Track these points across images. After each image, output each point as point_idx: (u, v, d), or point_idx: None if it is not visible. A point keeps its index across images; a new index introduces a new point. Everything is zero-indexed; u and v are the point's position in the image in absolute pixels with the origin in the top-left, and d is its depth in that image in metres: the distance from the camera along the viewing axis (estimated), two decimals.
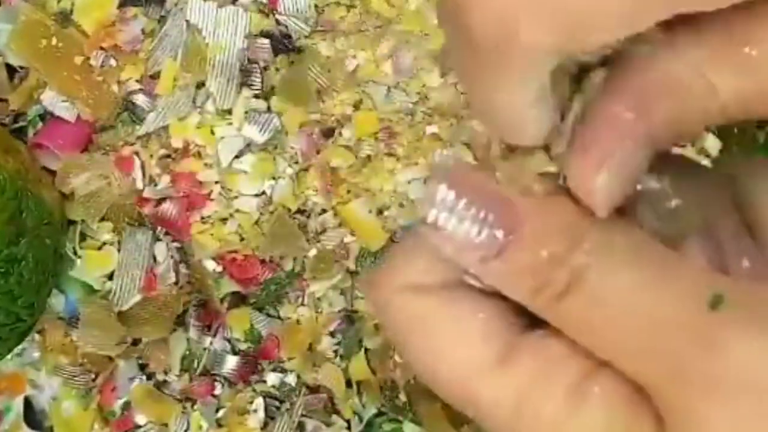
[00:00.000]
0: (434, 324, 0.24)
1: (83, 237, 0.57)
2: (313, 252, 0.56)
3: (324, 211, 0.57)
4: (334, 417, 0.57)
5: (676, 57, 0.23)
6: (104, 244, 0.57)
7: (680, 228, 0.24)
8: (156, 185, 0.57)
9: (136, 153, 0.57)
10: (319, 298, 0.57)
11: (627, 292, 0.22)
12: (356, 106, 0.56)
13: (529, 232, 0.23)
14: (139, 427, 0.58)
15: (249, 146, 0.56)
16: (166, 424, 0.57)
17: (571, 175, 0.23)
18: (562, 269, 0.23)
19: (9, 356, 0.56)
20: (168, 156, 0.57)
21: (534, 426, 0.23)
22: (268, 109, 0.56)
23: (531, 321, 0.24)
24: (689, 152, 0.55)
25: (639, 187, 0.24)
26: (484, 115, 0.24)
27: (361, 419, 0.57)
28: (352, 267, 0.57)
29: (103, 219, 0.57)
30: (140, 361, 0.58)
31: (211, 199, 0.56)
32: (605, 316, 0.23)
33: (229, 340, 0.57)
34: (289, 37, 0.56)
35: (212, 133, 0.56)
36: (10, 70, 0.57)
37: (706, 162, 0.55)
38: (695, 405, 0.21)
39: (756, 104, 0.23)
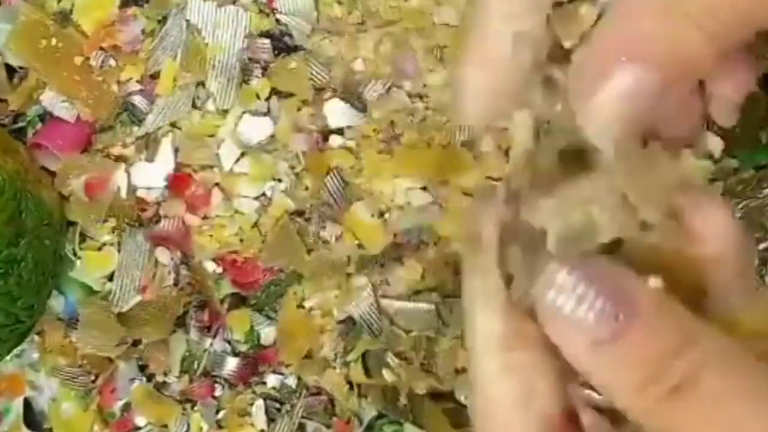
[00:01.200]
0: None
1: (83, 238, 0.58)
2: (313, 254, 0.57)
3: (324, 213, 0.57)
4: (335, 419, 0.57)
5: None
6: (104, 244, 0.57)
7: None
8: (156, 186, 0.57)
9: (136, 153, 0.57)
10: (319, 301, 0.57)
11: (743, 401, 0.22)
12: (356, 107, 0.56)
13: (649, 320, 0.23)
14: (139, 428, 0.58)
15: (249, 147, 0.56)
16: (166, 426, 0.58)
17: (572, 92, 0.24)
18: (678, 363, 0.22)
19: (8, 357, 0.56)
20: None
21: None
22: (269, 110, 0.56)
23: None
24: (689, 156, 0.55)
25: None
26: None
27: (361, 421, 0.57)
28: (352, 270, 0.57)
29: (103, 220, 0.57)
30: (140, 363, 0.58)
31: (211, 201, 0.57)
32: (716, 421, 0.22)
33: (229, 342, 0.58)
34: (290, 36, 0.56)
35: (212, 134, 0.57)
36: (10, 70, 0.57)
37: (708, 163, 0.55)
38: None
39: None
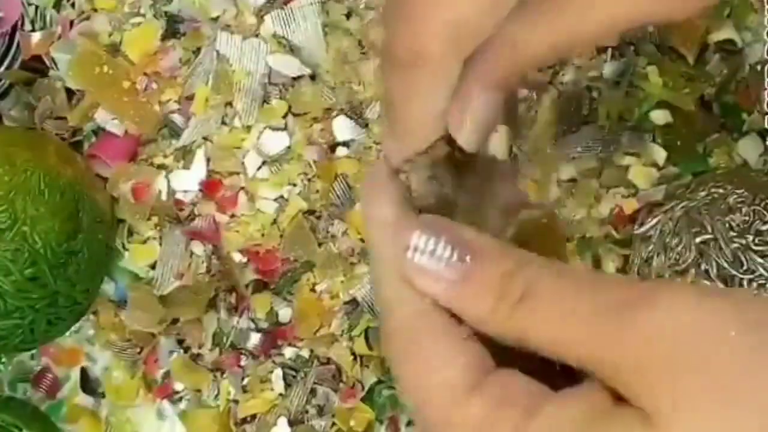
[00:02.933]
0: (428, 342, 0.25)
1: (130, 233, 0.59)
2: (323, 247, 0.57)
3: (332, 212, 0.57)
4: (341, 385, 0.57)
5: (502, 28, 0.26)
6: (148, 239, 0.59)
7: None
8: (192, 190, 0.58)
9: (175, 162, 0.58)
10: (328, 286, 0.57)
11: (572, 292, 0.23)
12: (359, 123, 0.57)
13: (487, 257, 0.25)
14: (177, 392, 0.59)
15: (269, 157, 0.57)
16: (199, 390, 0.59)
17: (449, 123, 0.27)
18: (517, 280, 0.24)
19: (68, 333, 0.58)
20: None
21: None
22: (286, 126, 0.57)
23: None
24: (638, 164, 0.56)
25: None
26: (400, 127, 0.28)
27: (363, 386, 0.57)
28: (356, 260, 0.57)
29: (147, 218, 0.58)
30: (178, 337, 0.59)
31: (238, 202, 0.57)
32: (556, 314, 0.23)
33: (252, 320, 0.58)
34: (303, 64, 0.57)
35: (238, 146, 0.57)
36: (69, 93, 0.59)
37: (654, 170, 0.57)
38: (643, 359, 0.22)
39: (567, 48, 0.26)
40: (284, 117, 0.58)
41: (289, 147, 0.57)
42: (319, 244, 0.57)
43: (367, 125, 0.57)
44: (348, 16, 0.57)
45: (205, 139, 0.58)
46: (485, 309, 0.25)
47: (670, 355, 0.22)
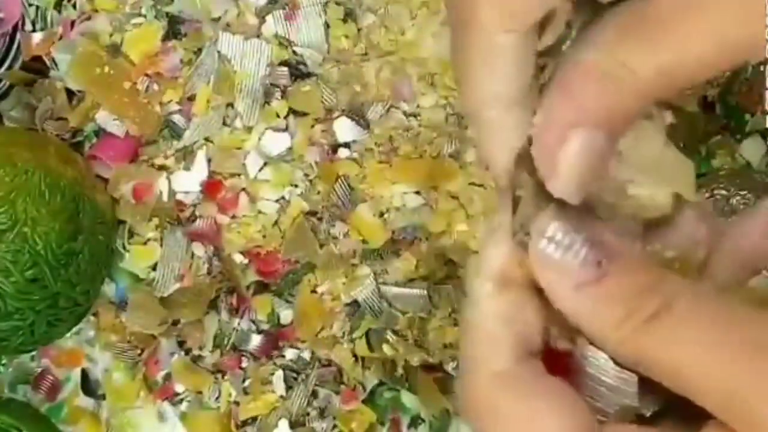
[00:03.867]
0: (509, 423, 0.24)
1: (131, 234, 0.59)
2: (324, 248, 0.57)
3: (334, 213, 0.57)
4: (342, 387, 0.58)
5: (594, 48, 0.22)
6: (148, 240, 0.58)
7: None
8: (193, 191, 0.58)
9: (176, 163, 0.58)
10: (329, 288, 0.58)
11: (716, 319, 0.21)
12: (361, 124, 0.57)
13: (627, 265, 0.23)
14: (178, 394, 0.59)
15: (271, 158, 0.57)
16: (200, 392, 0.59)
17: (535, 153, 0.24)
18: (654, 296, 0.22)
19: (68, 335, 0.58)
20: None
21: None
22: (287, 127, 0.57)
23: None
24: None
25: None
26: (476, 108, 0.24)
27: (365, 388, 0.57)
28: (357, 261, 0.57)
29: (148, 219, 0.58)
30: (179, 339, 0.59)
31: (239, 203, 0.57)
32: (693, 339, 0.21)
33: (253, 321, 0.58)
34: (304, 65, 0.57)
35: (239, 147, 0.57)
36: (70, 93, 0.59)
37: None
38: None
39: (678, 75, 0.22)
40: (285, 118, 0.57)
41: (290, 148, 0.57)
42: (321, 246, 0.57)
43: (368, 126, 0.57)
44: (349, 16, 0.57)
45: (206, 140, 0.58)
46: (612, 320, 0.22)
47: None
